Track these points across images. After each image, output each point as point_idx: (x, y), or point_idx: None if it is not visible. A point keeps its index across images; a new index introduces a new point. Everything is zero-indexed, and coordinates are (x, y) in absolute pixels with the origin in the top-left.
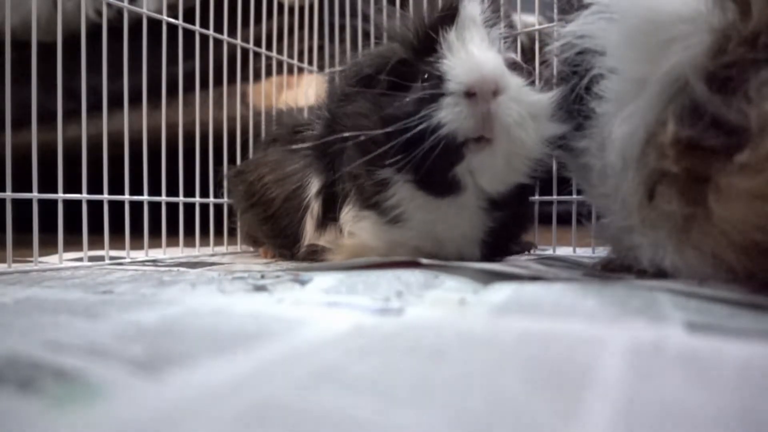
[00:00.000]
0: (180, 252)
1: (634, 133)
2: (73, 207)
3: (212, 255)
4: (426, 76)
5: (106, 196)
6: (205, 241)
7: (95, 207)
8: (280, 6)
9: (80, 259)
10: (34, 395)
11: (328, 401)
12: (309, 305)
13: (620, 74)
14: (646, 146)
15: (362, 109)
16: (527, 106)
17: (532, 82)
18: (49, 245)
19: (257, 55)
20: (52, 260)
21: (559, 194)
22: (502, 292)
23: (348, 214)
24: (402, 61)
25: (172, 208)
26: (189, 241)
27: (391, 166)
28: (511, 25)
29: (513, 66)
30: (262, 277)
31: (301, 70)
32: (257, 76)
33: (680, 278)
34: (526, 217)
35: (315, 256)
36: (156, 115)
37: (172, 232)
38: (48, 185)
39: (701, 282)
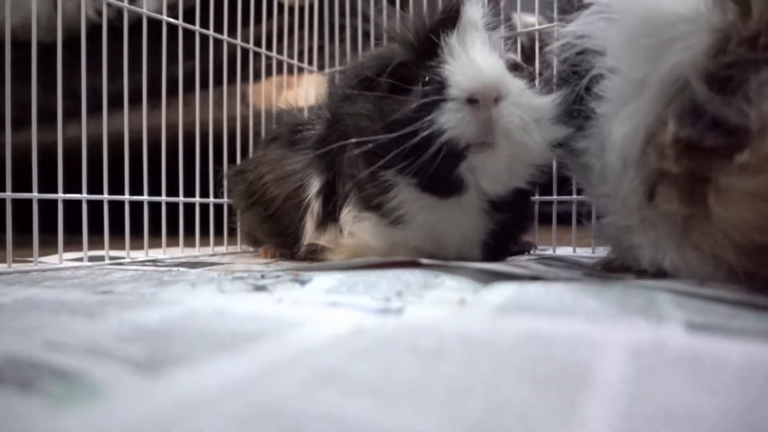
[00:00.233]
0: (180, 252)
1: (634, 133)
2: (73, 207)
3: (212, 255)
4: (427, 79)
5: (106, 196)
6: (205, 241)
7: (95, 207)
8: (280, 6)
9: (80, 259)
10: (34, 395)
11: (327, 401)
12: (309, 305)
13: (620, 74)
14: (646, 146)
15: (363, 111)
16: (529, 110)
17: (533, 83)
18: (49, 245)
19: (257, 55)
20: (52, 260)
21: (559, 194)
22: (502, 292)
23: (348, 214)
24: (402, 64)
25: (172, 208)
26: (189, 241)
27: (394, 169)
28: (511, 27)
29: (513, 67)
30: (262, 277)
31: (301, 70)
32: (257, 76)
33: (680, 278)
34: (527, 218)
35: (315, 256)
36: (156, 115)
37: (172, 232)
38: (48, 185)
39: (701, 282)
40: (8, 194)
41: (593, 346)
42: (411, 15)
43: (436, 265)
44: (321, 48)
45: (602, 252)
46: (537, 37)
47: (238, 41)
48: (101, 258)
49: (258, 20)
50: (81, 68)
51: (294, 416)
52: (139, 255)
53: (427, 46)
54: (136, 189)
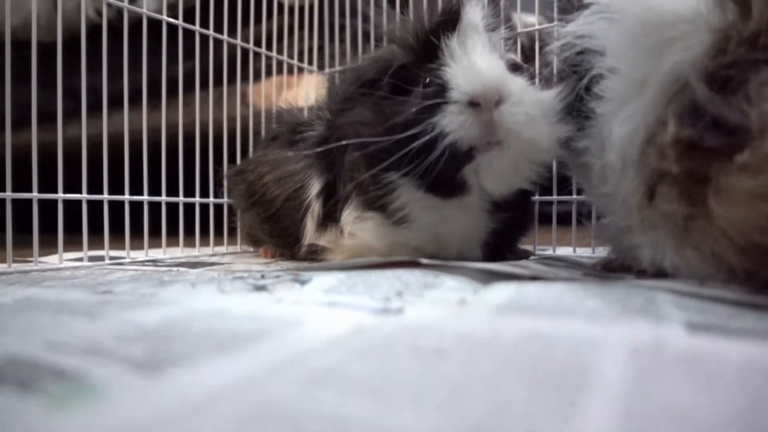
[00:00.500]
0: (180, 252)
1: (635, 133)
2: (73, 207)
3: (212, 255)
4: (427, 81)
5: (106, 196)
6: (205, 241)
7: (95, 207)
8: (280, 6)
9: (80, 259)
10: (34, 395)
11: (327, 401)
12: (309, 305)
13: (620, 74)
14: (647, 146)
15: (364, 113)
16: (535, 105)
17: (533, 83)
18: (49, 245)
19: (257, 55)
20: (52, 260)
21: (559, 194)
22: (502, 292)
23: (350, 215)
24: (402, 66)
25: (172, 208)
26: (189, 241)
27: (397, 171)
28: (511, 27)
29: (514, 67)
30: (262, 277)
31: (301, 70)
32: (257, 76)
33: (680, 278)
34: (528, 218)
35: (315, 256)
36: (156, 115)
37: (172, 232)
38: (48, 185)
39: (701, 282)
40: (8, 194)
41: (593, 346)
42: (411, 16)
43: (436, 265)
44: (321, 48)
45: (602, 252)
46: (537, 37)
47: (238, 41)
48: (101, 258)
49: (258, 20)
50: (81, 68)
51: (294, 416)
52: (139, 255)
53: (427, 48)
54: (136, 189)
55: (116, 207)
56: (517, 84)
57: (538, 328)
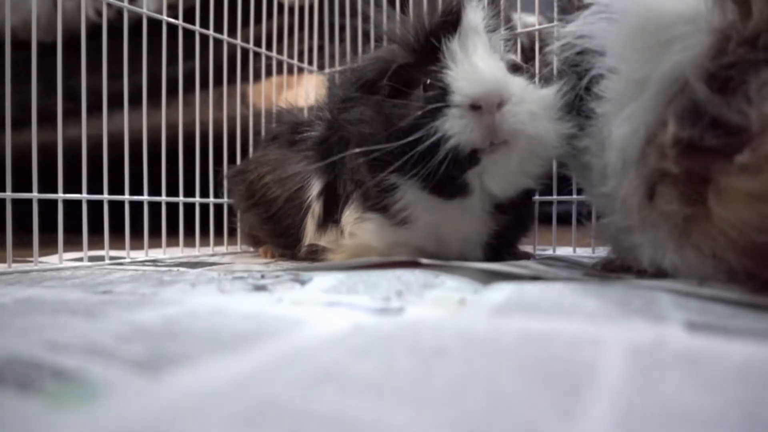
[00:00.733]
0: (180, 252)
1: (635, 133)
2: (73, 207)
3: (212, 255)
4: (428, 82)
5: (106, 196)
6: (205, 241)
7: (95, 207)
8: (280, 6)
9: (80, 259)
10: (34, 395)
11: (327, 401)
12: (309, 305)
13: (620, 74)
14: (647, 146)
15: (365, 117)
16: (537, 102)
17: (533, 82)
18: (49, 245)
19: (257, 55)
20: (52, 260)
21: (559, 194)
22: (502, 291)
23: (350, 215)
24: (402, 66)
25: (172, 208)
26: (189, 241)
27: (399, 172)
28: (511, 27)
29: (514, 68)
30: (262, 277)
31: (301, 70)
32: (257, 76)
33: (680, 278)
34: (529, 218)
35: (316, 256)
36: (156, 115)
37: (172, 232)
38: (48, 185)
39: (701, 282)
40: (8, 194)
41: (593, 346)
42: (411, 17)
43: (437, 265)
44: (321, 48)
45: (602, 252)
46: (537, 37)
47: (238, 41)
48: (101, 258)
49: (258, 20)
50: (81, 68)
51: (294, 415)
52: (139, 255)
53: (427, 49)
54: (136, 189)
55: (116, 207)
56: (517, 84)
57: (538, 328)
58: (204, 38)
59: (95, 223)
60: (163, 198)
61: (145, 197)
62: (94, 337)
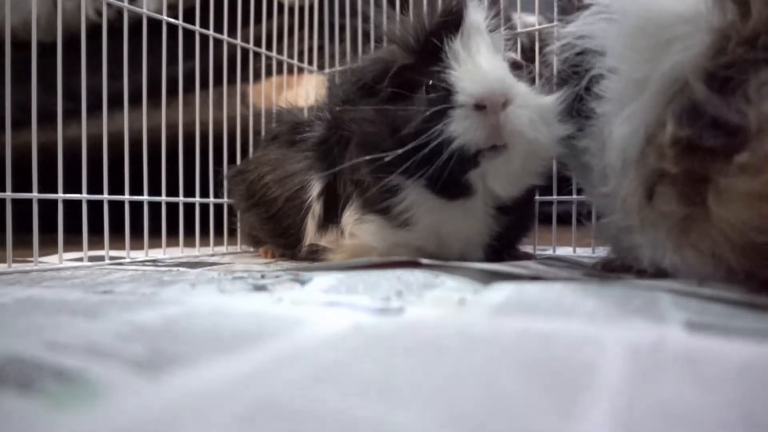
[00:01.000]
0: (180, 252)
1: (634, 133)
2: (73, 207)
3: (212, 255)
4: (430, 83)
5: (106, 196)
6: (205, 241)
7: (95, 207)
8: (280, 6)
9: (80, 259)
10: (34, 395)
11: (327, 401)
12: (309, 305)
13: (620, 74)
14: (646, 146)
15: (368, 116)
16: (537, 108)
17: (532, 81)
18: (49, 245)
19: (257, 55)
20: (52, 260)
21: (559, 194)
22: (502, 291)
23: (350, 216)
24: (403, 67)
25: (172, 208)
26: (189, 241)
27: (401, 173)
28: (511, 27)
29: (513, 65)
30: (262, 277)
31: (301, 70)
32: (257, 76)
33: (680, 278)
34: (530, 219)
35: (316, 256)
36: (156, 115)
37: (172, 232)
38: (48, 185)
39: (701, 282)
40: (8, 194)
41: (593, 346)
42: (411, 17)
43: (437, 265)
44: (321, 48)
45: (602, 252)
46: (537, 37)
47: (238, 41)
48: (101, 258)
49: (258, 20)
50: (81, 68)
51: (294, 415)
52: (139, 255)
53: (428, 50)
54: (136, 189)
55: (116, 207)
56: (521, 87)
57: (538, 328)
58: (204, 38)
59: (95, 223)
60: (163, 198)
61: (145, 197)
62: (94, 337)
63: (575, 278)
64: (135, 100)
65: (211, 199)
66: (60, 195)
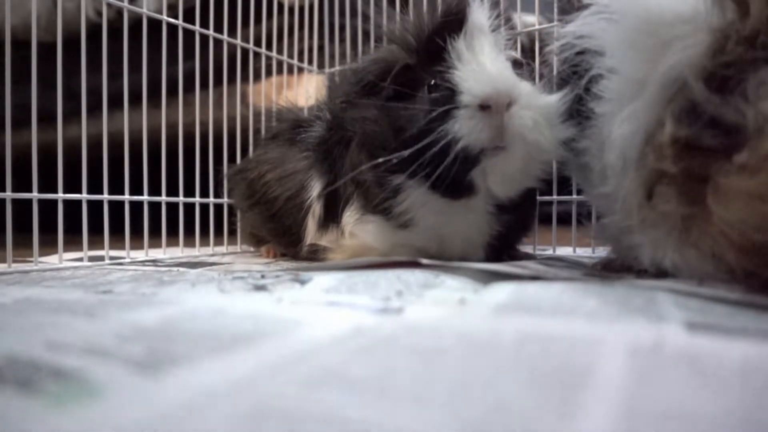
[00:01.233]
0: (180, 252)
1: (634, 133)
2: (73, 207)
3: (212, 255)
4: (432, 83)
5: (106, 196)
6: (205, 241)
7: (95, 207)
8: (280, 6)
9: (80, 259)
10: (34, 395)
11: (327, 401)
12: (309, 305)
13: (620, 74)
14: (646, 146)
15: (370, 115)
16: (540, 110)
17: (533, 79)
18: (49, 245)
19: (257, 55)
20: (52, 260)
21: (559, 194)
22: (502, 291)
23: (351, 216)
24: (405, 67)
25: (172, 208)
26: (189, 241)
27: (403, 174)
28: (511, 27)
29: (514, 63)
30: (262, 276)
31: (301, 70)
32: (257, 76)
33: (680, 278)
34: (531, 218)
35: (317, 255)
36: (156, 115)
37: (172, 232)
38: (48, 185)
39: (701, 281)
40: (8, 194)
41: (593, 346)
42: (412, 17)
43: (437, 265)
44: (321, 48)
45: (602, 252)
46: (537, 37)
47: (238, 41)
48: (101, 258)
49: (258, 20)
50: (81, 68)
51: (294, 416)
52: (139, 255)
53: (430, 50)
54: (136, 189)
55: (116, 207)
56: (525, 87)
57: (538, 328)
58: (204, 38)
59: (95, 223)
60: (163, 198)
61: (145, 197)
62: (94, 337)
63: (575, 278)
64: (135, 100)
65: (211, 199)
66: (60, 195)
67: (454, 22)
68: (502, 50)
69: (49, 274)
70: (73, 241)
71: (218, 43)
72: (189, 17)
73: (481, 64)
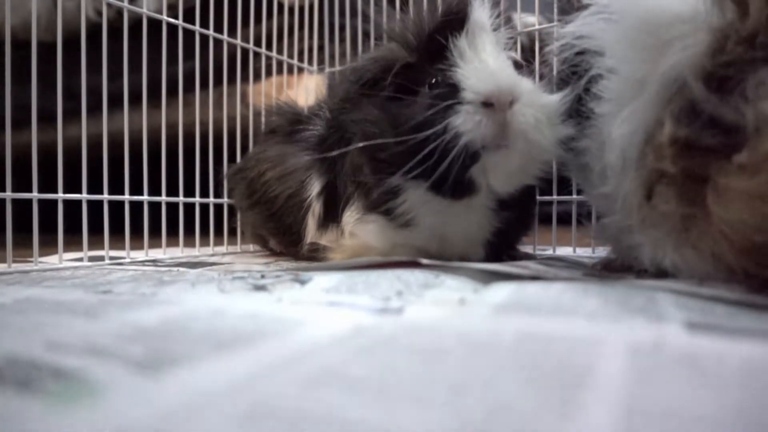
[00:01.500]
0: (180, 252)
1: (634, 133)
2: (73, 207)
3: (212, 255)
4: (434, 81)
5: (106, 196)
6: (205, 241)
7: (95, 207)
8: (280, 6)
9: (80, 259)
10: (34, 395)
11: (327, 401)
12: (309, 305)
13: (619, 74)
14: (645, 146)
15: (370, 111)
16: (541, 108)
17: (534, 82)
18: (49, 245)
19: (257, 55)
20: (52, 260)
21: (559, 194)
22: (502, 291)
23: (351, 216)
24: (406, 65)
25: (172, 208)
26: (189, 241)
27: (403, 173)
28: (511, 26)
29: (514, 65)
30: (262, 276)
31: (301, 70)
32: (257, 76)
33: (680, 278)
34: (531, 216)
35: (317, 255)
36: (156, 115)
37: (172, 232)
38: (48, 185)
39: (701, 282)
40: (8, 194)
41: (593, 346)
42: (412, 16)
43: (437, 265)
44: (321, 48)
45: (602, 252)
46: (537, 37)
47: (238, 41)
48: (101, 258)
49: (258, 20)
50: (81, 68)
51: (294, 416)
52: (139, 255)
53: (430, 48)
54: (136, 189)
55: (116, 207)
56: (526, 85)
57: (538, 328)
58: (204, 38)
59: (95, 223)
60: (163, 198)
61: (145, 197)
62: (94, 337)
63: (575, 278)
64: (135, 100)
65: (211, 199)
66: (60, 195)
67: (456, 20)
68: (503, 49)
69: (49, 274)
70: (73, 241)
71: (218, 43)
72: (189, 17)
73: (484, 61)
